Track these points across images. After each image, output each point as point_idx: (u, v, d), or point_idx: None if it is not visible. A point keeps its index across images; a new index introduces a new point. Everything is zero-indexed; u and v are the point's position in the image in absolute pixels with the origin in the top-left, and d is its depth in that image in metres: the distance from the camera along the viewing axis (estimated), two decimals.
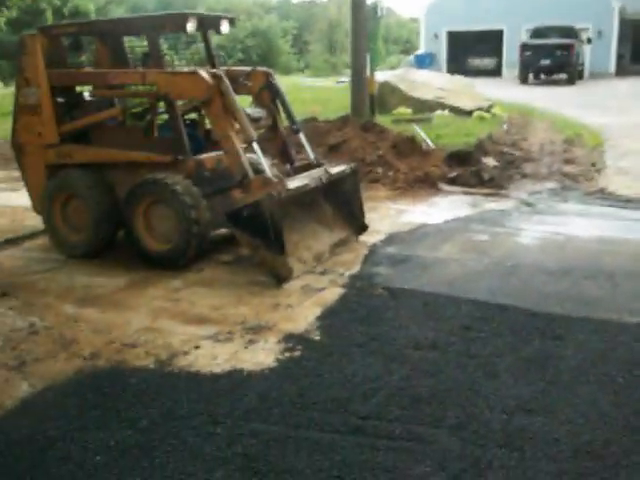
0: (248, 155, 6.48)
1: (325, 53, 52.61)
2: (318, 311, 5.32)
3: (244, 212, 5.88)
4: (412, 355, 4.56)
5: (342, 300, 5.56)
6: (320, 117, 12.90)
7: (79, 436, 3.74)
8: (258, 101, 7.22)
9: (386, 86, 16.72)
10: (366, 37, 13.47)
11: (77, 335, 5.06)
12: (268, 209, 5.74)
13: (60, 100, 7.28)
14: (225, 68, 7.18)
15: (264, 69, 7.32)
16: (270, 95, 7.14)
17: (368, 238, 7.22)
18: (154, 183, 6.45)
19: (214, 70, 6.57)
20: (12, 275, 6.65)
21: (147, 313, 5.44)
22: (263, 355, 4.61)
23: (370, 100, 13.46)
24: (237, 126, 6.34)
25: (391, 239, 7.27)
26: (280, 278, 5.95)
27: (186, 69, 7.02)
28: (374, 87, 13.81)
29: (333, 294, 5.68)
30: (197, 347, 4.75)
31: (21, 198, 7.95)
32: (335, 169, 6.87)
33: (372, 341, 4.77)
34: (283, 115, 7.34)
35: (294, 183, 6.20)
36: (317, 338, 4.86)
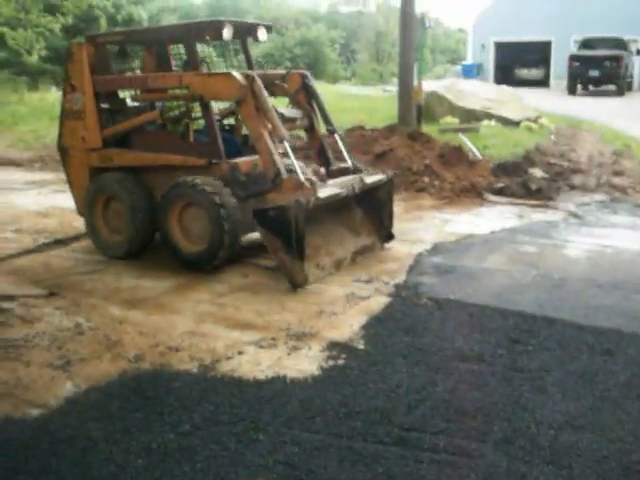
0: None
1: (372, 62, 52.53)
2: (363, 320, 5.29)
3: (270, 213, 5.93)
4: (457, 367, 4.50)
5: (387, 309, 5.52)
6: (367, 125, 12.85)
7: (122, 438, 3.75)
8: (294, 102, 7.34)
9: (433, 95, 16.61)
10: (414, 47, 13.43)
11: (122, 337, 5.10)
12: (294, 215, 5.77)
13: (104, 105, 7.53)
14: (262, 72, 7.30)
15: (300, 71, 7.45)
16: (306, 96, 7.23)
17: (413, 248, 7.18)
18: (184, 185, 6.57)
19: (247, 71, 6.71)
20: (60, 275, 6.75)
21: (192, 317, 5.46)
22: (306, 362, 4.58)
23: (417, 109, 13.40)
24: (270, 126, 6.39)
25: (437, 249, 7.21)
26: (294, 283, 6.00)
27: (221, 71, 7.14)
28: (421, 96, 13.74)
29: (378, 303, 5.64)
30: (241, 352, 4.75)
31: (70, 200, 8.07)
32: (371, 178, 6.89)
33: (417, 351, 4.72)
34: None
35: (325, 191, 6.20)
36: (361, 347, 4.82)
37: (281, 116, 6.59)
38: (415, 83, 13.46)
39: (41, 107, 19.83)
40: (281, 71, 7.64)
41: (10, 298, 6.09)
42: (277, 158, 6.29)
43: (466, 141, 12.47)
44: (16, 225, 8.95)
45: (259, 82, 6.40)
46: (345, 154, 7.22)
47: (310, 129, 7.33)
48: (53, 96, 22.34)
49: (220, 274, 6.47)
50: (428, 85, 16.45)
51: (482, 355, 4.65)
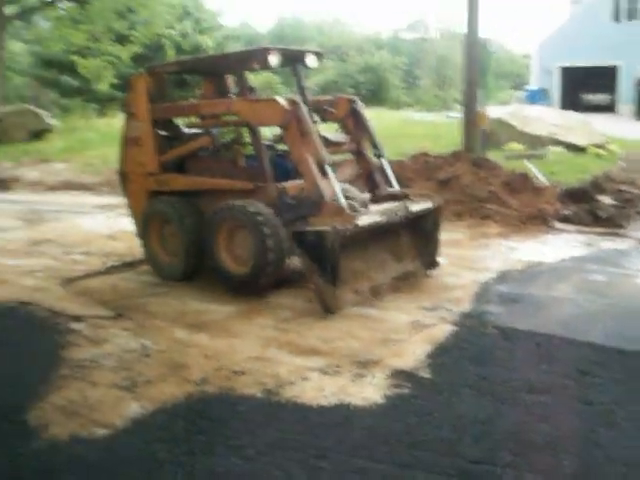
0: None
1: (434, 88, 52.50)
2: (427, 348, 5.21)
3: (308, 236, 5.99)
4: (525, 398, 4.40)
5: (452, 338, 5.44)
6: (431, 152, 12.78)
7: (187, 460, 3.77)
8: (343, 127, 7.57)
9: (498, 122, 16.48)
10: (478, 73, 13.35)
11: (187, 360, 5.14)
12: (330, 242, 5.82)
13: (161, 132, 7.84)
14: (314, 98, 7.66)
15: (348, 96, 7.67)
16: (354, 121, 7.42)
17: (479, 275, 7.09)
18: (228, 208, 6.77)
19: (291, 97, 6.85)
20: (126, 297, 6.88)
21: (256, 341, 5.47)
22: (371, 390, 4.54)
23: (482, 135, 13.29)
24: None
25: (503, 277, 7.10)
26: (326, 308, 6.04)
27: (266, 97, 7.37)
28: (486, 122, 13.63)
29: (443, 331, 5.57)
30: (305, 378, 4.73)
31: None
32: (417, 205, 6.86)
33: (483, 381, 4.64)
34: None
35: (365, 219, 6.24)
36: (426, 375, 4.76)
37: (325, 140, 6.78)
38: (479, 109, 13.36)
39: (109, 133, 20.34)
40: (330, 97, 7.87)
41: (79, 319, 6.24)
42: (320, 182, 6.35)
43: (532, 168, 12.33)
44: (85, 247, 9.20)
45: (303, 107, 6.56)
46: (393, 180, 7.30)
47: (358, 154, 7.47)
48: (120, 122, 22.97)
49: (283, 299, 6.52)
50: (492, 111, 16.33)
51: (550, 387, 4.54)
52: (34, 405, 4.52)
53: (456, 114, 24.83)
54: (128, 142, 8.05)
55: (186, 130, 8.06)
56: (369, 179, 7.42)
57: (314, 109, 7.36)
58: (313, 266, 5.98)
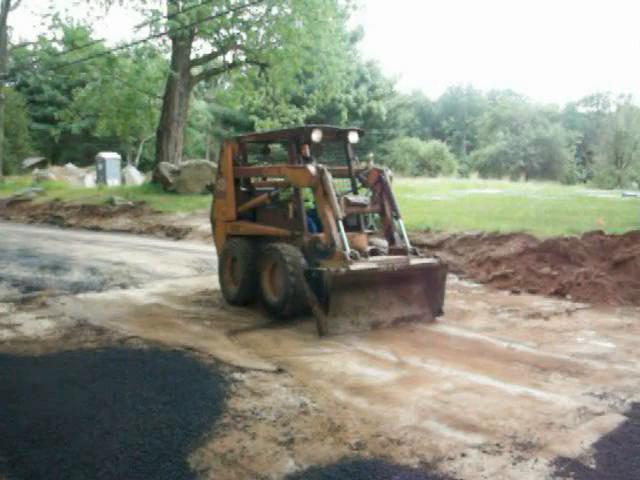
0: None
1: (610, 165, 50.80)
2: (595, 437, 4.92)
3: (313, 273, 7.59)
4: None
5: (623, 429, 5.10)
6: (606, 230, 12.25)
7: None
8: (373, 191, 9.11)
9: None
10: None
11: (345, 422, 5.15)
12: (325, 280, 7.42)
13: (240, 188, 10.08)
14: (357, 167, 9.45)
15: (378, 167, 9.14)
16: (380, 187, 8.95)
17: None
18: (269, 249, 8.67)
19: (319, 165, 8.47)
20: (288, 353, 7.04)
21: (415, 411, 5.39)
22: (533, 475, 4.33)
23: None
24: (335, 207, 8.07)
25: None
26: (320, 331, 7.58)
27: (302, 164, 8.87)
28: None
29: (612, 421, 5.24)
30: (463, 455, 4.60)
31: None
32: (417, 260, 8.29)
33: None
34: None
35: (360, 265, 7.72)
36: (592, 466, 4.48)
37: (347, 201, 8.58)
38: None
39: None
40: (363, 167, 9.51)
41: (242, 370, 6.44)
42: (335, 233, 7.95)
43: None
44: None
45: (327, 173, 8.20)
46: (405, 237, 8.68)
47: (382, 214, 8.95)
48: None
49: (445, 371, 6.43)
50: None
51: None
52: (195, 449, 4.67)
53: (633, 192, 23.90)
54: (217, 195, 10.33)
55: (258, 188, 10.10)
56: (388, 235, 8.89)
57: (357, 175, 9.26)
58: (314, 297, 7.57)
